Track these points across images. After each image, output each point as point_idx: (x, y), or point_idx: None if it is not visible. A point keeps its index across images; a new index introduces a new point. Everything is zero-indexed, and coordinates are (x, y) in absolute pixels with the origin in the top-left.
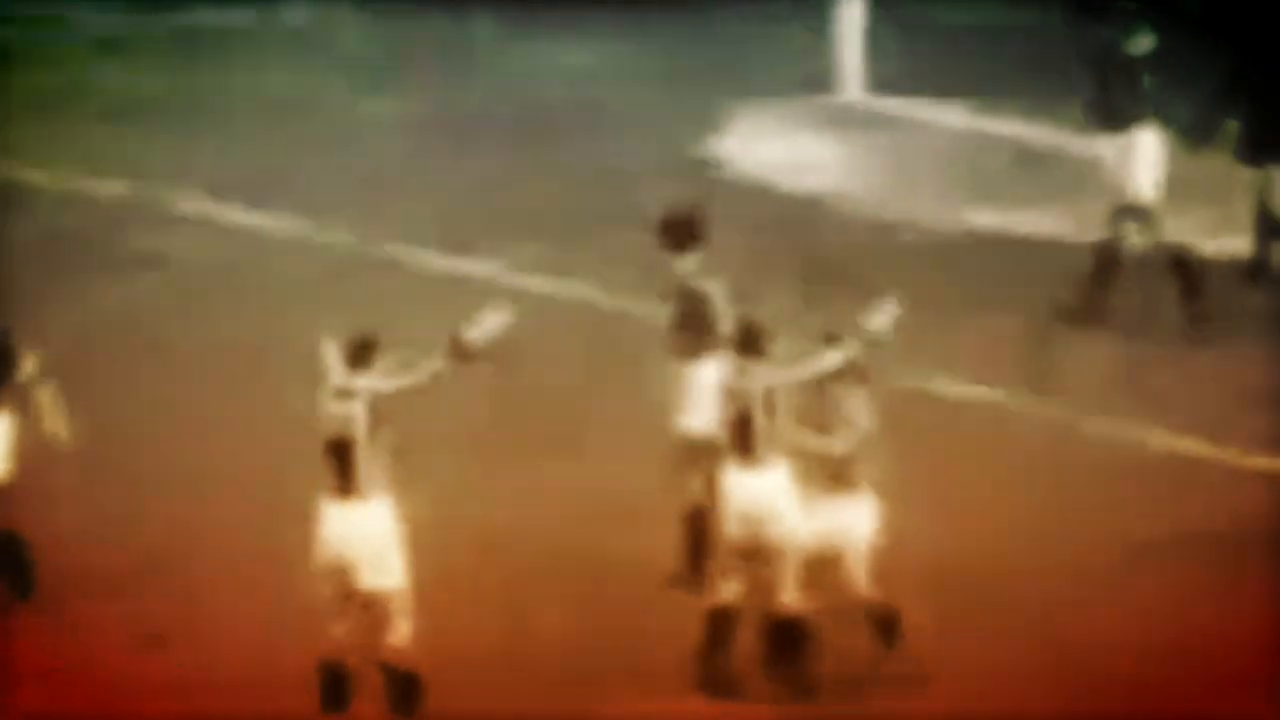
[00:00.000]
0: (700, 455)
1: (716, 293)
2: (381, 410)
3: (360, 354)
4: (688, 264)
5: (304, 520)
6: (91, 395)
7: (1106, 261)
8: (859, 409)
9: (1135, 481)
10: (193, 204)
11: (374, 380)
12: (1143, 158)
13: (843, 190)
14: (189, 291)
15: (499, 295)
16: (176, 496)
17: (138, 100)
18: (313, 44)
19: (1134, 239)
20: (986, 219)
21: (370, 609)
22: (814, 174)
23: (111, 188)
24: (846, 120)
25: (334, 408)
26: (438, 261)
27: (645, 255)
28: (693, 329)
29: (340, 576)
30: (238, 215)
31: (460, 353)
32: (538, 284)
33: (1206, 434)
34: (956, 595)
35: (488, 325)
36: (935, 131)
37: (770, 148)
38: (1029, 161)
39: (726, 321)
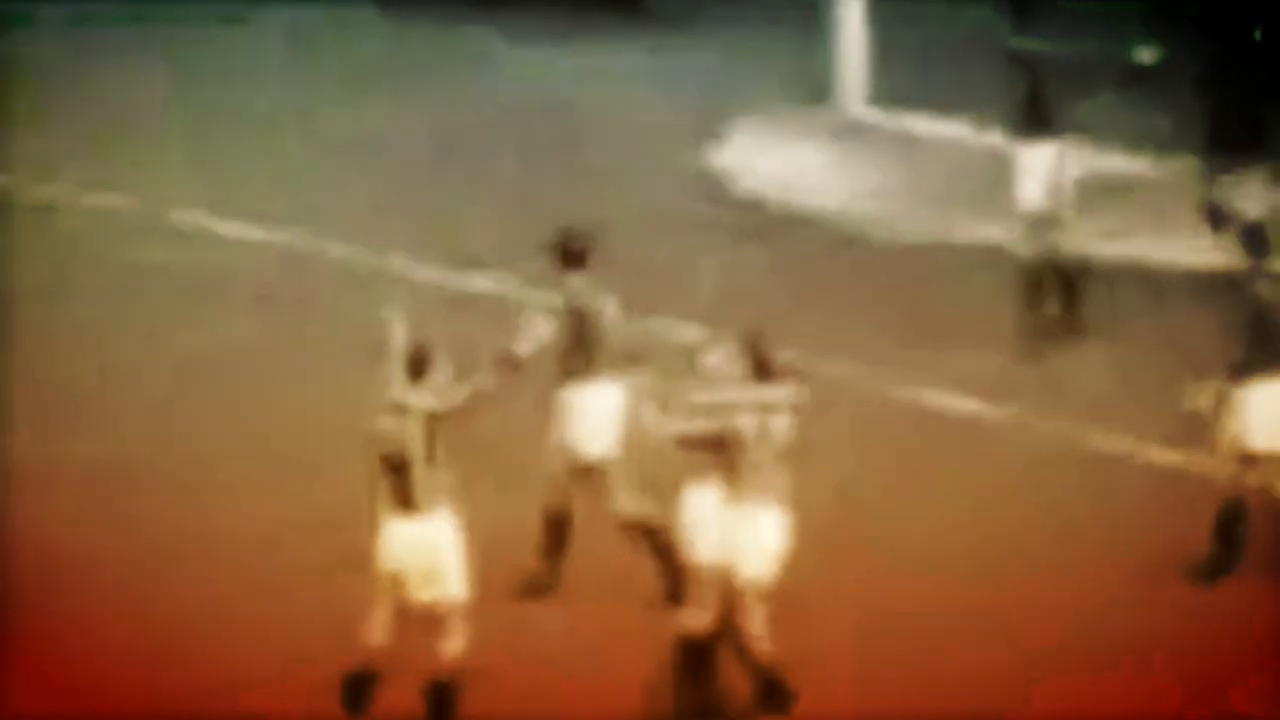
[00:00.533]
0: (588, 477)
1: (606, 312)
2: (438, 424)
3: (417, 367)
4: (576, 282)
5: (309, 527)
6: (96, 406)
7: (1056, 273)
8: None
9: (1129, 494)
10: (194, 217)
11: (430, 397)
12: (1049, 167)
13: (841, 204)
14: (192, 304)
15: (516, 309)
16: (181, 505)
17: (136, 111)
18: (314, 52)
19: (1053, 246)
20: (986, 233)
21: (426, 621)
22: (813, 187)
23: (111, 200)
24: (847, 133)
25: (391, 422)
26: (441, 275)
27: (643, 268)
28: (581, 348)
29: (399, 590)
30: (239, 229)
31: (510, 366)
32: (541, 298)
33: (1199, 447)
34: (956, 602)
35: (533, 336)
36: (937, 145)
37: (770, 160)
38: None
39: (614, 341)
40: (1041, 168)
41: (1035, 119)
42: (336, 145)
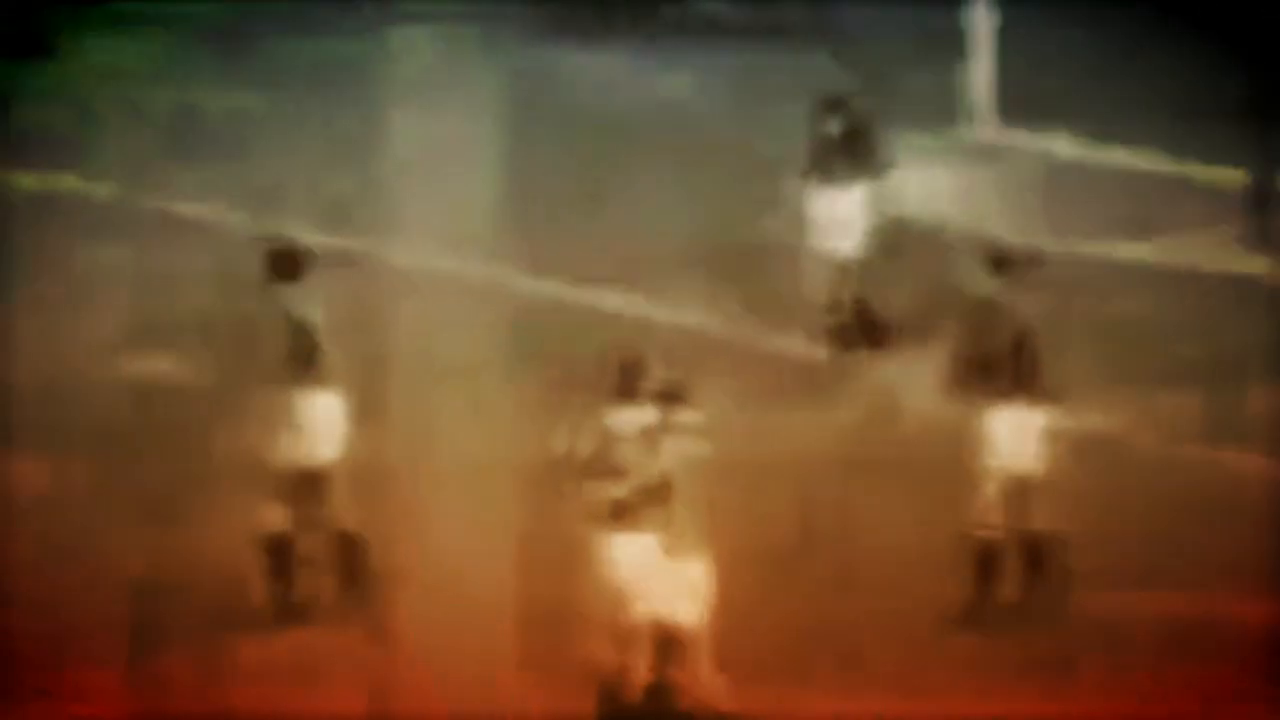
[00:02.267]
0: (303, 484)
1: (320, 325)
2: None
3: (629, 384)
4: (293, 295)
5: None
6: (98, 410)
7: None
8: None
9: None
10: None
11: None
12: (850, 214)
13: (968, 221)
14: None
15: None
16: (187, 511)
17: (172, 110)
18: (371, 67)
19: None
20: (1113, 251)
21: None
22: (943, 205)
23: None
24: (978, 152)
25: (629, 439)
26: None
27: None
28: (299, 359)
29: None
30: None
31: None
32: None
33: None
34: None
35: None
36: (1062, 162)
37: (899, 179)
38: (1152, 192)
39: (330, 353)
40: (850, 212)
41: (849, 162)
42: (371, 155)
